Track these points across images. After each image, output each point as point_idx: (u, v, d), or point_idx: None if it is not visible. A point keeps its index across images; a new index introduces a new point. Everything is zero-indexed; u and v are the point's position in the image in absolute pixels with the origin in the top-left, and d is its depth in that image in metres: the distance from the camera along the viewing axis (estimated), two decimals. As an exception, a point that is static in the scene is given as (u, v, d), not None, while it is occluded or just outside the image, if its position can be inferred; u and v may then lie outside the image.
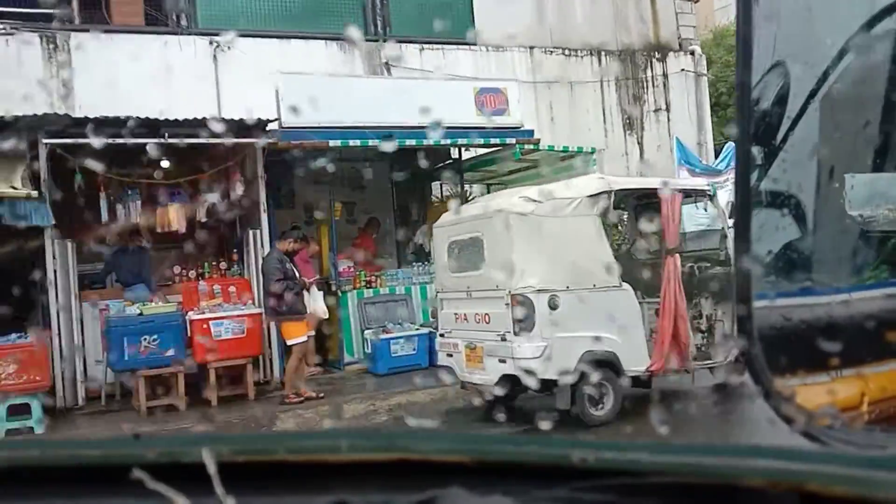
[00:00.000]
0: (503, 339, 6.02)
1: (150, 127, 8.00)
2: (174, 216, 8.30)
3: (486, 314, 6.30)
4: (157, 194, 8.47)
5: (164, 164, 8.17)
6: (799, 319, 1.34)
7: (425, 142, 8.96)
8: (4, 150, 7.78)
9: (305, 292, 7.83)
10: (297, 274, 7.79)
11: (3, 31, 10.02)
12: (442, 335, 7.07)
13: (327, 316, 8.49)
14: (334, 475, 0.77)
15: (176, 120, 7.90)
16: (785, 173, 1.38)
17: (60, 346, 8.02)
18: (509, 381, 6.01)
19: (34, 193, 7.24)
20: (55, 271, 7.93)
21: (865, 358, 1.32)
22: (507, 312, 5.99)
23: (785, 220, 1.38)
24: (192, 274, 9.15)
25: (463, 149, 10.49)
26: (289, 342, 7.75)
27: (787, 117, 1.33)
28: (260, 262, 8.68)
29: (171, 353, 7.90)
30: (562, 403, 5.85)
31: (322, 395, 8.01)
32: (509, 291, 5.97)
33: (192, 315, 8.11)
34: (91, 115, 7.76)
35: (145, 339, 7.79)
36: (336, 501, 0.73)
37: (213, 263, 9.27)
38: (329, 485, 0.76)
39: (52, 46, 10.26)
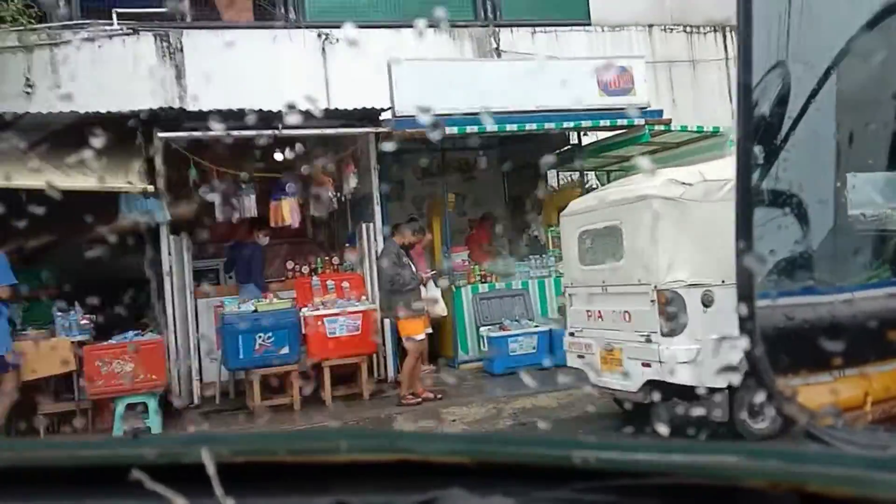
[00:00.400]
0: (648, 341, 5.36)
1: (264, 120, 7.78)
2: (288, 210, 8.05)
3: (626, 312, 5.65)
4: (270, 188, 8.24)
5: (278, 157, 7.92)
6: (801, 319, 1.33)
7: (547, 125, 8.35)
8: (121, 146, 7.75)
9: (422, 287, 7.39)
10: (414, 268, 7.37)
11: (122, 31, 10.14)
12: (571, 334, 6.46)
13: (446, 313, 8.02)
14: (334, 476, 0.76)
15: (288, 112, 7.62)
16: (787, 172, 1.35)
17: (176, 343, 7.94)
18: (654, 387, 5.35)
19: (151, 188, 7.12)
20: (171, 268, 7.83)
21: (868, 358, 1.30)
22: (652, 310, 5.33)
23: (787, 219, 1.36)
24: (305, 269, 8.90)
25: (582, 133, 9.82)
26: (406, 340, 7.34)
27: (788, 117, 1.31)
28: (373, 256, 8.34)
29: (285, 350, 7.66)
30: (718, 414, 5.13)
31: (440, 395, 7.57)
32: (655, 286, 5.30)
33: (306, 312, 7.85)
34: (204, 110, 7.57)
35: (260, 336, 7.57)
36: (336, 502, 0.73)
37: (326, 258, 8.99)
38: (329, 486, 0.75)
39: (165, 44, 10.31)
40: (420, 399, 7.38)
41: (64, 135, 7.37)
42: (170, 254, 7.79)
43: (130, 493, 0.74)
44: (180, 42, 10.32)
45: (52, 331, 7.18)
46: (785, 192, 1.37)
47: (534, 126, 8.37)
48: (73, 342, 7.10)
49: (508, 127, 8.15)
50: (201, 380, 8.20)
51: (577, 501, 0.71)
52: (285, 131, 7.23)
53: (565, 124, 8.61)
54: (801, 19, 1.36)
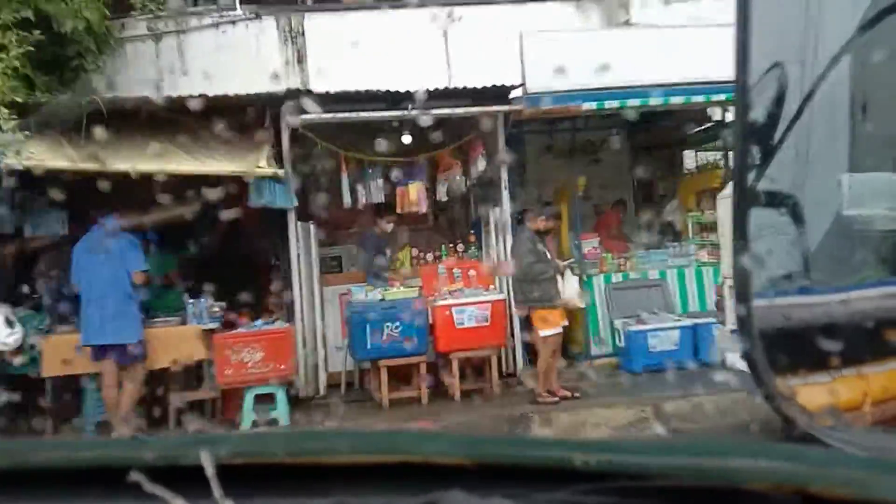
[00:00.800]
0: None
1: (392, 101, 7.46)
2: (415, 195, 7.69)
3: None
4: (396, 173, 7.90)
5: (406, 139, 7.59)
6: (799, 319, 1.33)
7: (695, 99, 7.60)
8: (249, 130, 7.62)
9: (559, 277, 6.85)
10: (550, 256, 6.85)
11: (245, 16, 10.09)
12: (733, 332, 5.77)
13: (584, 304, 7.46)
14: (334, 477, 0.75)
15: (416, 92, 7.25)
16: (784, 172, 1.35)
17: (303, 332, 7.76)
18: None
19: (281, 172, 6.91)
20: (298, 255, 7.64)
21: (866, 358, 1.29)
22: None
23: (784, 219, 1.35)
24: (430, 257, 8.55)
25: (724, 109, 8.96)
26: (541, 333, 6.84)
27: (785, 117, 1.30)
28: (500, 243, 7.89)
29: (413, 341, 7.33)
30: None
31: (577, 394, 7.04)
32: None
33: (433, 301, 7.48)
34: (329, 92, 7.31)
35: (388, 326, 7.27)
36: (336, 503, 0.72)
37: (450, 246, 8.60)
38: (329, 487, 0.75)
39: (287, 29, 10.20)
40: (557, 398, 6.87)
41: (192, 120, 7.32)
42: (297, 240, 7.59)
43: (129, 495, 0.72)
44: (302, 26, 10.19)
45: (183, 318, 7.12)
46: (781, 191, 1.36)
47: (680, 99, 7.63)
48: (202, 330, 7.02)
49: (652, 101, 7.45)
50: (327, 370, 7.99)
51: (576, 503, 0.70)
52: (414, 111, 6.84)
53: (714, 97, 7.81)
54: (800, 19, 1.34)
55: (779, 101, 1.30)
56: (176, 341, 6.84)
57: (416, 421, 6.95)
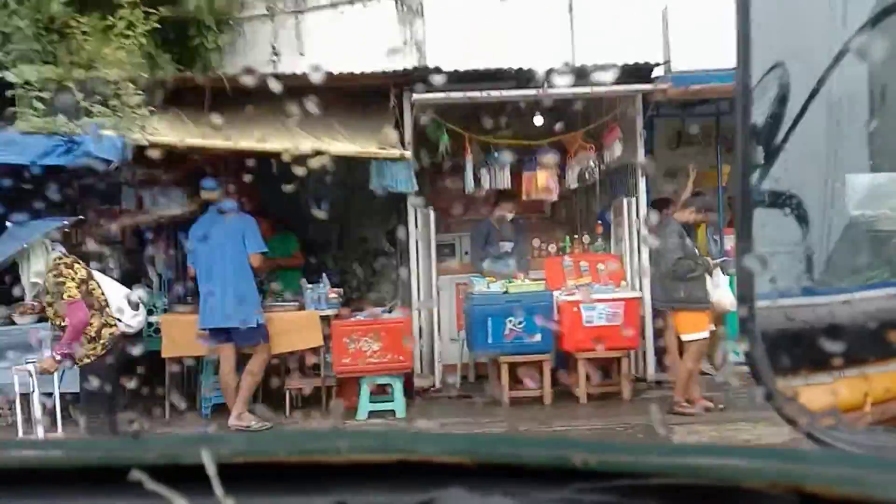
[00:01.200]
0: None
1: (517, 80, 6.96)
2: (544, 181, 7.17)
3: None
4: (523, 157, 7.39)
5: (537, 121, 7.07)
6: (801, 320, 1.34)
7: None
8: (371, 110, 7.30)
9: (707, 276, 6.17)
10: (698, 252, 6.19)
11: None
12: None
13: (735, 307, 6.74)
14: (334, 476, 0.75)
15: (551, 70, 6.71)
16: (787, 172, 1.34)
17: (419, 322, 7.39)
18: None
19: (408, 154, 6.53)
20: (417, 242, 7.27)
21: (868, 358, 1.30)
22: None
23: (787, 219, 1.35)
24: (552, 248, 8.02)
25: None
26: (685, 337, 6.20)
27: (788, 116, 1.28)
28: (633, 235, 7.28)
29: (537, 338, 6.84)
30: None
31: (721, 406, 6.37)
32: None
33: (560, 296, 6.96)
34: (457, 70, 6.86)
35: (510, 320, 6.80)
36: (336, 502, 0.73)
37: (574, 237, 8.03)
38: (329, 486, 0.75)
39: (405, 6, 9.86)
40: (697, 409, 6.22)
41: (311, 99, 7.04)
42: (416, 226, 7.21)
43: (130, 494, 0.72)
44: (421, 4, 9.84)
45: (301, 303, 6.87)
46: (784, 191, 1.34)
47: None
48: (321, 316, 6.75)
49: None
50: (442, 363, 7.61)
51: (577, 502, 0.70)
52: (550, 90, 6.32)
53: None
54: (802, 18, 1.34)
55: (782, 99, 1.28)
56: (294, 327, 6.59)
57: (540, 422, 6.47)
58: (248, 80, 6.22)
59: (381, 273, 8.46)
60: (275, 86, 6.95)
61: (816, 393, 1.23)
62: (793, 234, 1.36)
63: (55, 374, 5.02)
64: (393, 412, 6.69)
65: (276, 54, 9.61)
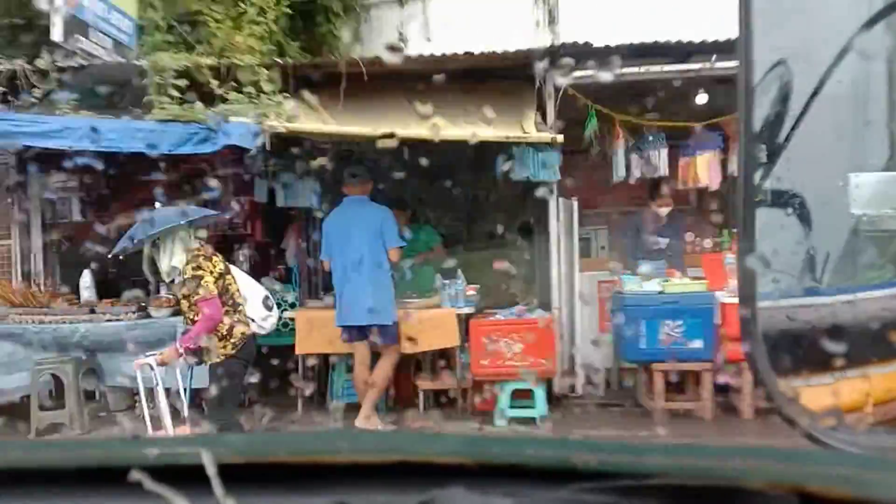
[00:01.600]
0: None
1: (680, 56, 6.25)
2: (704, 168, 6.43)
3: None
4: (679, 142, 6.67)
5: (701, 99, 6.34)
6: (803, 320, 1.35)
7: None
8: (509, 93, 6.77)
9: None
10: None
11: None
12: None
13: None
14: (334, 476, 0.75)
15: (715, 42, 5.98)
16: (789, 172, 1.35)
17: (560, 322, 6.82)
18: None
19: (559, 138, 5.95)
20: (559, 236, 6.69)
21: (870, 359, 1.30)
22: None
23: (789, 219, 1.36)
24: (707, 243, 7.26)
25: None
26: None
27: (791, 115, 1.30)
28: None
29: (697, 344, 6.14)
30: None
31: None
32: None
33: (723, 297, 6.21)
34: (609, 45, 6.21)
35: (667, 324, 6.13)
36: (336, 502, 0.72)
37: (733, 231, 7.22)
38: (329, 486, 0.74)
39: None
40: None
41: (447, 84, 6.60)
42: (558, 219, 6.64)
43: (130, 494, 0.71)
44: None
45: (437, 300, 6.45)
46: (787, 191, 1.33)
47: None
48: (458, 314, 6.30)
49: None
50: (584, 366, 7.02)
51: (577, 502, 0.70)
52: (718, 64, 5.59)
53: None
54: (804, 17, 1.31)
55: (784, 98, 1.26)
56: (431, 325, 6.17)
57: (702, 438, 5.78)
58: (392, 58, 5.81)
59: (512, 269, 7.95)
60: (418, 63, 6.58)
61: (818, 393, 1.23)
62: (795, 233, 1.35)
63: (178, 370, 4.75)
64: (534, 419, 6.17)
65: (403, 40, 9.28)
